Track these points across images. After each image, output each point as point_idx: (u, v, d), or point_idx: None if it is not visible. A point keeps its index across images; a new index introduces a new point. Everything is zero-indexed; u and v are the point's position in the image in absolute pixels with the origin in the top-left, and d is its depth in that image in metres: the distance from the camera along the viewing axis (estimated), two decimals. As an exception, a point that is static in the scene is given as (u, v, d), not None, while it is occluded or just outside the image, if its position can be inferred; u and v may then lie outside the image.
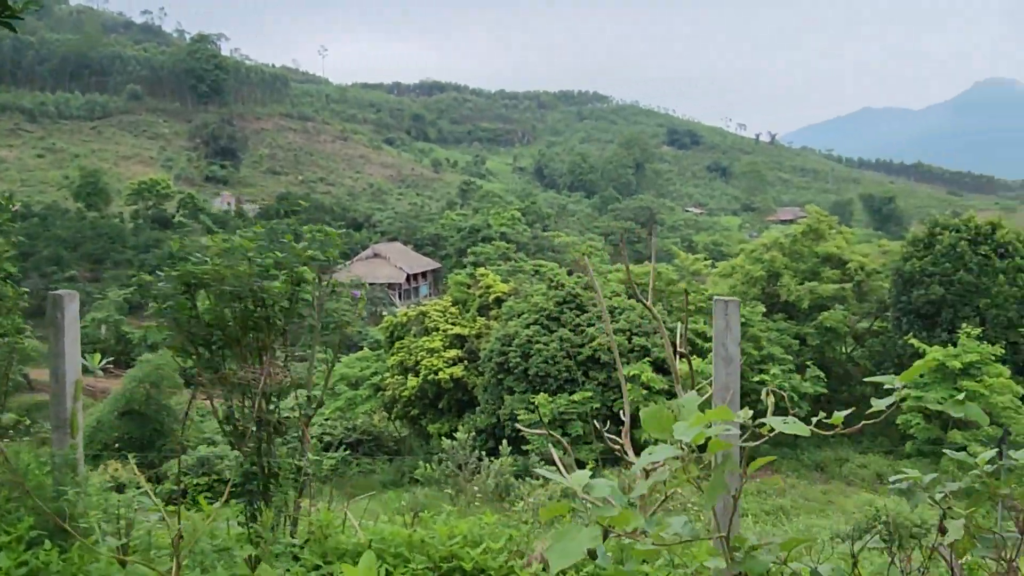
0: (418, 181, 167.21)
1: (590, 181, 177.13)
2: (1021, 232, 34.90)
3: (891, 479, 3.44)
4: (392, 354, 38.74)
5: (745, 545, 2.31)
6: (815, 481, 30.65)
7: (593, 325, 33.68)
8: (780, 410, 2.39)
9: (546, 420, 30.36)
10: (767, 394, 2.41)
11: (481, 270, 43.79)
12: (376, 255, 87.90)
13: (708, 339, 34.59)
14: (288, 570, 3.96)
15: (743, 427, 2.18)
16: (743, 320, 35.61)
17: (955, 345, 28.36)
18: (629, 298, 36.20)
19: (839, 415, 2.25)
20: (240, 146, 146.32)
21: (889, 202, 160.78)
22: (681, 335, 4.04)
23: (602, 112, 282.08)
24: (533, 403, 31.19)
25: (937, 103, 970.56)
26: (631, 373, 31.37)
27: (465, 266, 70.53)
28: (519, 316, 35.07)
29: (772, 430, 2.13)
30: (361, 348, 48.80)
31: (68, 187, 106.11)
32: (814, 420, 2.20)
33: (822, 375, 34.46)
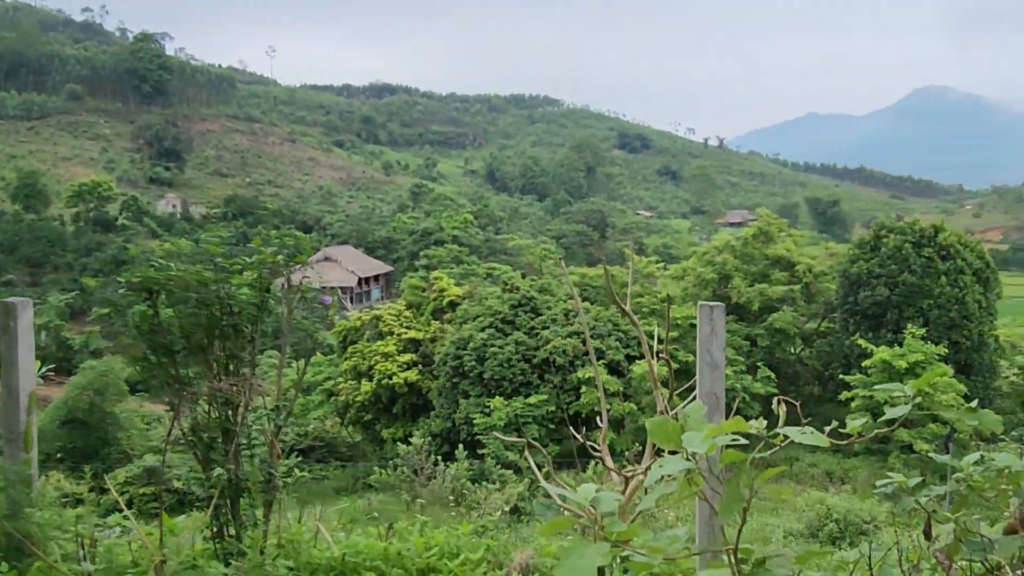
0: (369, 184, 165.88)
1: (542, 184, 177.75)
2: (962, 235, 35.97)
3: (877, 483, 3.44)
4: (345, 359, 38.28)
5: (752, 558, 2.25)
6: (766, 480, 31.06)
7: (548, 328, 33.72)
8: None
9: (501, 424, 30.30)
10: (778, 403, 2.36)
11: (435, 273, 43.57)
12: (327, 258, 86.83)
13: (661, 341, 34.98)
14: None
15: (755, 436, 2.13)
16: (694, 323, 36.06)
17: (900, 345, 29.04)
18: (584, 301, 36.35)
19: (855, 424, 2.20)
20: (185, 147, 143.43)
21: (834, 205, 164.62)
22: (663, 340, 3.99)
23: (553, 116, 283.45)
24: (488, 407, 31.11)
25: (878, 109, 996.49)
26: (586, 376, 31.48)
27: (417, 269, 70.24)
28: (474, 319, 34.95)
29: (785, 438, 2.08)
30: (313, 353, 48.13)
31: (4, 189, 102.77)
32: (826, 429, 2.15)
33: (772, 375, 35.00)
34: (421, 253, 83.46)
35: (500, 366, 32.19)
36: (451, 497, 24.55)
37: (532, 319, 34.34)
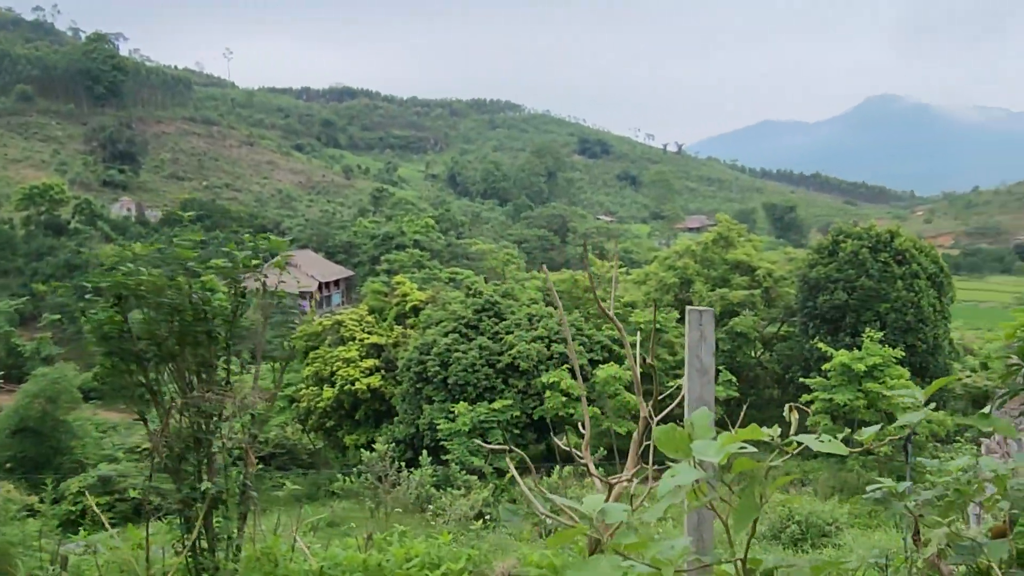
0: (329, 188, 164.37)
1: (503, 189, 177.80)
2: (917, 240, 36.75)
3: (867, 488, 3.43)
4: (306, 365, 37.83)
5: (760, 568, 2.21)
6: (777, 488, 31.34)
7: (512, 333, 33.67)
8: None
9: (465, 429, 30.15)
10: (791, 410, 2.32)
11: (398, 278, 43.29)
12: (287, 263, 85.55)
13: (623, 345, 35.15)
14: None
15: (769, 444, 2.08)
16: (658, 327, 36.22)
17: (859, 348, 29.53)
18: (547, 305, 36.37)
19: (870, 432, 2.17)
20: (140, 150, 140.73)
21: (790, 211, 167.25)
22: (650, 347, 3.95)
23: (514, 121, 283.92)
24: (452, 412, 30.94)
25: (832, 117, 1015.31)
26: (550, 380, 31.49)
27: (379, 274, 69.77)
28: (437, 324, 34.78)
29: (799, 445, 2.04)
30: (290, 360, 47.57)
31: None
32: (839, 436, 2.11)
33: (734, 379, 35.37)
34: (382, 258, 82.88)
35: (464, 371, 32.06)
36: (416, 504, 24.40)
37: (496, 324, 34.27)
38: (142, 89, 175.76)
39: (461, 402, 31.16)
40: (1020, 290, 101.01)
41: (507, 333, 33.65)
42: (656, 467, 4.58)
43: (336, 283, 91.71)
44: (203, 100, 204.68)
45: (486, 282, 41.45)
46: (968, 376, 38.40)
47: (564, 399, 31.08)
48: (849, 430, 29.12)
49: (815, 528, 18.95)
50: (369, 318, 39.05)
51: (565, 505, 2.41)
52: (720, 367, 36.02)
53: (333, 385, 35.71)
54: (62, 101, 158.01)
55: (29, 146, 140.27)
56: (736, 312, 38.53)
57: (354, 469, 25.96)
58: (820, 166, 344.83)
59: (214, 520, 4.27)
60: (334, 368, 36.01)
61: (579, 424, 29.44)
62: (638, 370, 4.60)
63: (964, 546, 3.24)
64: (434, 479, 26.36)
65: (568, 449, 4.34)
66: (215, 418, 4.23)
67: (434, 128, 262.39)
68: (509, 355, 32.53)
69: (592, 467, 4.28)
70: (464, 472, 27.76)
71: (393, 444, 30.31)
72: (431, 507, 24.38)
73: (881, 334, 30.33)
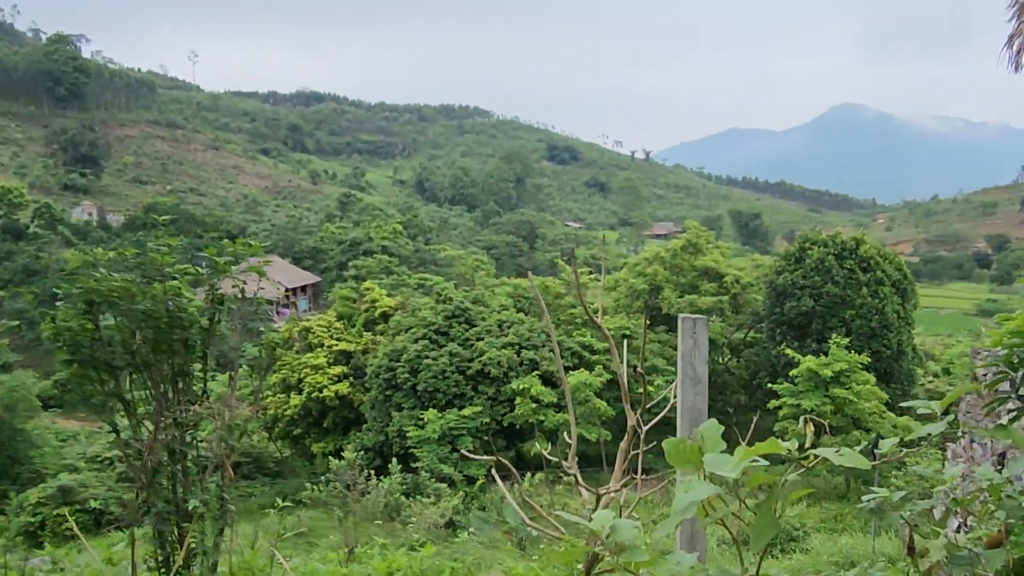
0: (295, 193, 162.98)
1: (471, 195, 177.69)
2: (881, 248, 37.27)
3: (863, 498, 3.39)
4: (273, 371, 37.33)
5: (771, 583, 2.14)
6: (665, 476, 31.48)
7: (482, 339, 33.54)
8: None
9: (435, 436, 29.95)
10: (806, 422, 2.26)
11: (367, 284, 42.93)
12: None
13: (595, 351, 35.23)
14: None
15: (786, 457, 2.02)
16: (627, 333, 36.32)
17: (825, 354, 29.84)
18: (518, 312, 36.32)
19: (891, 444, 2.11)
20: (102, 153, 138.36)
21: (756, 218, 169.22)
22: (640, 354, 3.88)
23: (483, 126, 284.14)
24: (422, 419, 30.72)
25: (797, 125, 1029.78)
26: (520, 387, 31.40)
27: (346, 280, 69.18)
28: (407, 331, 34.55)
29: (816, 458, 1.98)
30: (240, 366, 46.89)
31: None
32: (856, 448, 2.05)
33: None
34: (350, 263, 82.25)
35: (434, 378, 31.86)
36: (386, 512, 24.16)
37: (466, 330, 34.12)
38: (105, 91, 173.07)
39: (431, 409, 30.95)
40: (979, 297, 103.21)
41: (477, 339, 33.52)
42: (644, 477, 4.53)
43: (303, 289, 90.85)
44: (167, 103, 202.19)
45: (456, 288, 41.28)
46: (931, 381, 39.05)
47: (534, 406, 31.01)
48: (816, 436, 29.42)
49: (783, 533, 19.06)
50: (337, 324, 38.67)
51: (571, 520, 2.32)
52: (689, 373, 36.19)
53: (300, 392, 35.28)
54: (22, 103, 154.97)
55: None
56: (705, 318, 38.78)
57: (322, 477, 25.65)
58: (785, 174, 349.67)
59: (190, 534, 4.12)
60: (302, 375, 35.58)
61: (551, 431, 29.20)
62: (625, 378, 4.53)
63: (961, 556, 3.21)
64: (404, 487, 26.14)
65: (556, 460, 4.25)
66: (191, 429, 4.08)
67: (402, 133, 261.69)
68: (479, 361, 32.39)
69: (579, 478, 4.22)
70: (434, 480, 27.57)
71: (362, 452, 30.02)
72: (401, 515, 24.18)
73: (847, 340, 30.68)
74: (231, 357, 4.37)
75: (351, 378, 35.91)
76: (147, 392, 4.19)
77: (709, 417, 2.31)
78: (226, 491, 4.11)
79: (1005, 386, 4.20)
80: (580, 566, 3.44)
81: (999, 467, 11.07)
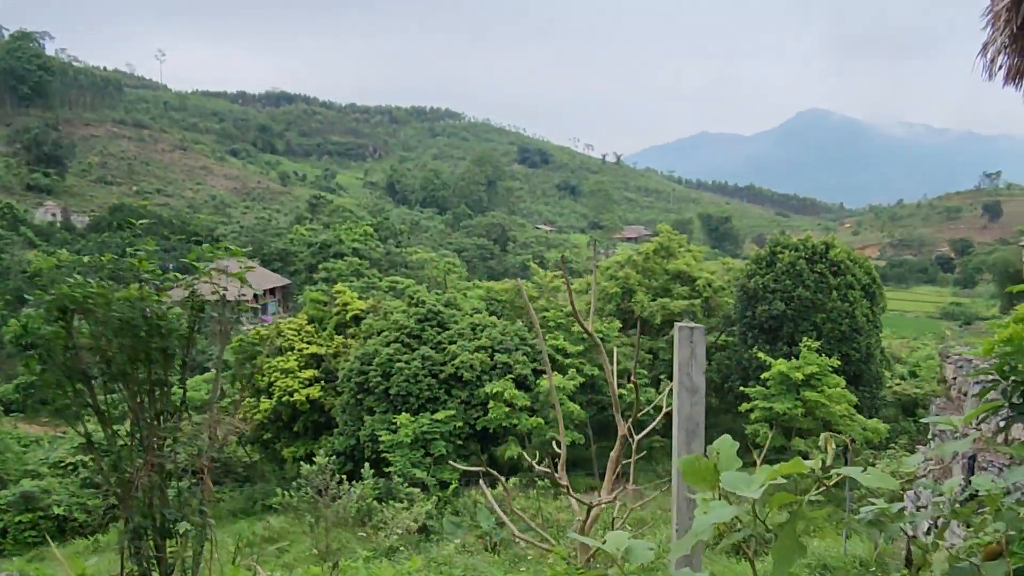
0: (265, 194, 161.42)
1: (442, 197, 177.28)
2: (851, 252, 37.70)
3: (861, 509, 3.34)
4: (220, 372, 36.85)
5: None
6: (658, 487, 31.56)
7: (455, 343, 33.38)
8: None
9: (407, 440, 29.73)
10: (828, 439, 2.20)
11: (338, 287, 42.55)
12: (212, 269, 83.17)
13: (568, 355, 35.21)
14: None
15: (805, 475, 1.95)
16: (601, 336, 36.33)
17: (796, 357, 30.08)
18: (491, 315, 36.21)
19: (913, 459, 2.05)
20: (67, 153, 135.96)
21: (726, 221, 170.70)
22: (634, 360, 3.81)
23: (454, 129, 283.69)
24: (394, 423, 30.48)
25: (765, 130, 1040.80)
26: (494, 390, 31.29)
27: (316, 283, 68.58)
28: (379, 334, 34.28)
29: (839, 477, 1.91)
30: (208, 370, 46.29)
31: None
32: (878, 465, 1.99)
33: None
34: (320, 266, 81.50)
35: (406, 381, 31.64)
36: (358, 517, 23.92)
37: (439, 333, 33.94)
38: (69, 90, 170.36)
39: (403, 413, 30.73)
40: (943, 300, 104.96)
41: (450, 343, 33.35)
42: (636, 487, 4.45)
43: (272, 292, 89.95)
44: (134, 102, 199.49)
45: (428, 291, 41.05)
46: (898, 384, 39.55)
47: (508, 409, 30.91)
48: (787, 439, 29.68)
49: (755, 536, 19.09)
50: (308, 327, 38.28)
51: (579, 540, 2.23)
52: (661, 376, 36.34)
53: (271, 396, 34.86)
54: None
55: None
56: (677, 322, 38.94)
57: (293, 483, 25.32)
58: (753, 178, 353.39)
59: (168, 550, 3.97)
60: (272, 379, 35.15)
61: (524, 435, 29.02)
62: (615, 386, 4.46)
63: (962, 568, 3.18)
64: (376, 492, 25.90)
65: (546, 470, 4.17)
66: (170, 441, 3.94)
67: (373, 135, 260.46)
68: (452, 365, 32.23)
69: (569, 488, 4.13)
70: (407, 484, 27.36)
71: (333, 456, 29.71)
72: (373, 520, 23.94)
73: (818, 343, 30.96)
74: (215, 365, 4.23)
75: (322, 382, 35.57)
76: (123, 403, 4.03)
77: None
78: (206, 504, 3.98)
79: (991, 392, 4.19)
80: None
81: (969, 471, 11.17)
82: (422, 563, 4.22)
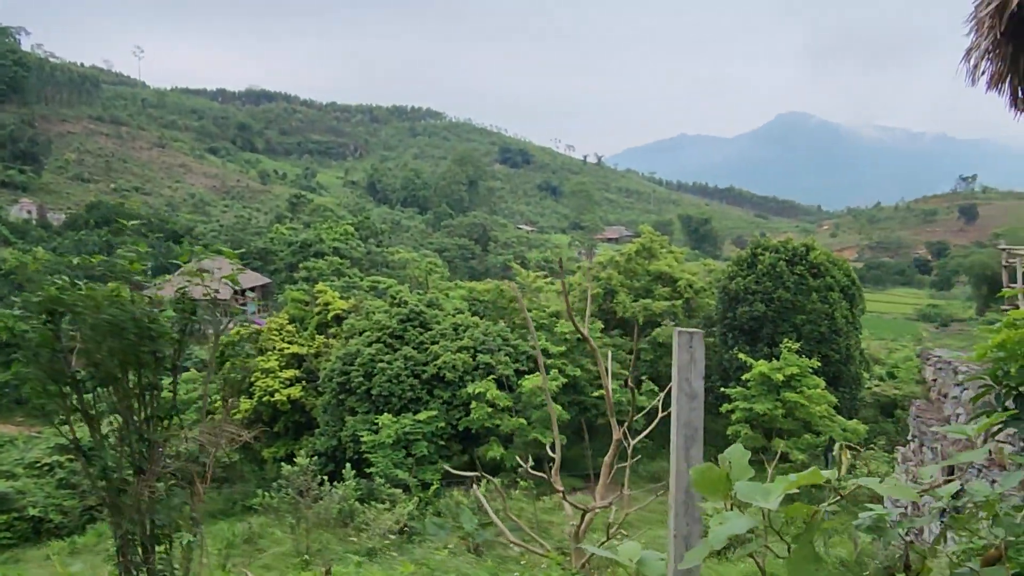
0: (244, 193, 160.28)
1: (423, 197, 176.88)
2: (831, 254, 37.98)
3: (860, 515, 3.34)
4: (211, 374, 36.57)
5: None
6: (653, 492, 31.68)
7: (437, 343, 33.29)
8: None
9: (390, 441, 29.61)
10: (842, 449, 2.18)
11: (320, 286, 42.30)
12: (199, 270, 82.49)
13: (550, 355, 35.21)
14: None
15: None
16: (581, 337, 36.44)
17: (777, 358, 30.25)
18: (473, 315, 36.13)
19: (928, 469, 2.04)
20: (43, 150, 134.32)
21: (706, 223, 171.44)
22: (632, 366, 3.79)
23: (435, 128, 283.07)
24: (376, 423, 30.35)
25: (745, 132, 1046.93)
26: (476, 391, 31.23)
27: (296, 282, 68.13)
28: (361, 334, 34.12)
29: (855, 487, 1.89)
30: (187, 369, 45.87)
31: None
32: (889, 477, 1.97)
33: (656, 388, 35.78)
34: (300, 265, 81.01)
35: (388, 382, 31.51)
36: (339, 518, 23.78)
37: (421, 334, 33.83)
38: (46, 86, 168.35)
39: (385, 413, 30.61)
40: (919, 302, 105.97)
41: (432, 343, 33.25)
42: (631, 492, 4.44)
43: (252, 291, 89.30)
44: (111, 99, 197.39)
45: (410, 291, 40.90)
46: (876, 385, 39.89)
47: (490, 410, 30.86)
48: (767, 440, 29.84)
49: (734, 536, 19.16)
50: (289, 327, 38.03)
51: (602, 554, 2.21)
52: (643, 376, 36.43)
53: (251, 396, 34.59)
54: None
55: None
56: (658, 322, 39.03)
57: (274, 484, 25.13)
58: (733, 180, 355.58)
59: (157, 557, 3.90)
60: (252, 378, 34.89)
61: (506, 435, 28.95)
62: (610, 390, 4.43)
63: (962, 573, 3.18)
64: (358, 493, 25.74)
65: (542, 475, 4.15)
66: (160, 446, 3.87)
67: (354, 134, 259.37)
68: (434, 365, 32.14)
69: (565, 494, 4.10)
70: (389, 485, 27.24)
71: (314, 457, 29.51)
72: (355, 521, 23.79)
73: (798, 345, 31.15)
74: (206, 369, 4.16)
75: (303, 382, 35.34)
76: (111, 407, 3.96)
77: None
78: (196, 512, 3.91)
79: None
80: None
81: (949, 473, 11.26)
82: (413, 568, 4.16)
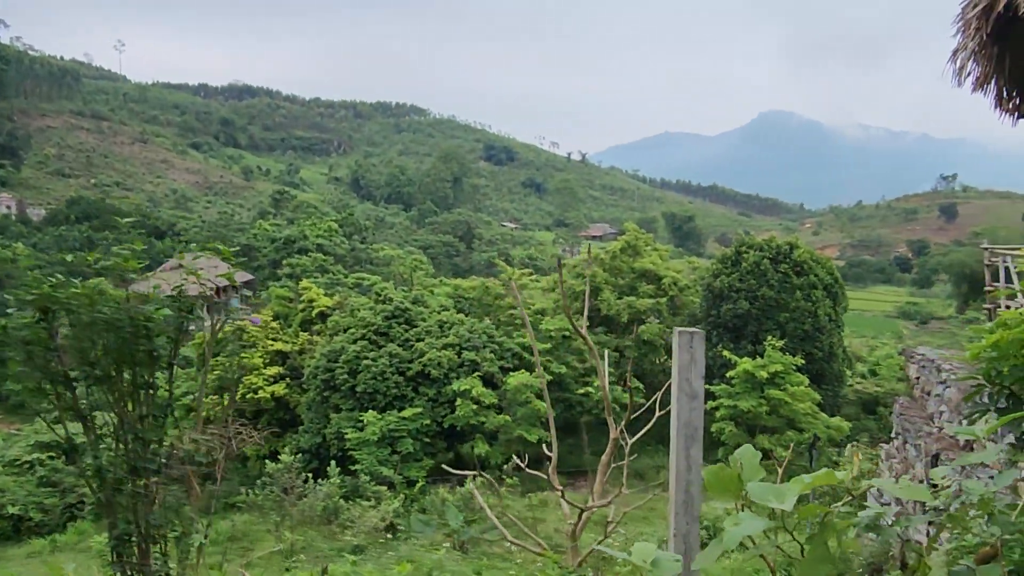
0: (227, 189, 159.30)
1: (408, 193, 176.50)
2: (814, 252, 38.25)
3: (860, 514, 3.36)
4: (209, 371, 36.32)
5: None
6: (649, 490, 31.79)
7: (422, 340, 33.23)
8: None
9: (374, 438, 29.53)
10: (855, 453, 2.19)
11: (304, 283, 42.11)
12: (181, 266, 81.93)
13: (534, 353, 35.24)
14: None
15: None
16: (567, 334, 36.41)
17: (761, 356, 30.45)
18: (458, 312, 36.07)
19: (939, 470, 2.05)
20: (22, 144, 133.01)
21: (689, 220, 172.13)
22: (628, 369, 3.80)
23: (420, 125, 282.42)
24: (361, 421, 30.26)
25: (728, 131, 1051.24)
26: (461, 388, 31.21)
27: (280, 278, 67.82)
28: (345, 331, 34.01)
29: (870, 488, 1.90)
30: (238, 383, 45.69)
31: None
32: (897, 480, 1.99)
33: (641, 386, 35.90)
34: (284, 262, 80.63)
35: (373, 379, 31.43)
36: (324, 516, 23.70)
37: (406, 331, 33.76)
38: (25, 80, 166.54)
39: (370, 411, 30.53)
40: (900, 300, 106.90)
41: (418, 340, 33.20)
42: (628, 491, 4.45)
43: (235, 287, 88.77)
44: (92, 93, 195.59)
45: (395, 288, 40.80)
46: (859, 382, 40.23)
47: (475, 407, 30.86)
48: (751, 437, 30.02)
49: (721, 532, 19.30)
50: (273, 324, 37.84)
51: (613, 555, 2.21)
52: (626, 373, 36.52)
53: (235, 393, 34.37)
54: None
55: None
56: (643, 320, 39.16)
57: (257, 481, 25.01)
58: (716, 177, 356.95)
59: (152, 557, 3.87)
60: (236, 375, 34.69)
61: (491, 433, 28.88)
62: (608, 389, 4.44)
63: (959, 571, 3.21)
64: (343, 490, 25.66)
65: (540, 474, 4.15)
66: (155, 445, 3.84)
67: (338, 130, 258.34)
68: (420, 362, 32.09)
69: (563, 493, 4.09)
70: (373, 482, 27.16)
71: (298, 454, 29.41)
72: (340, 518, 23.72)
73: (782, 342, 31.36)
74: (201, 369, 4.13)
75: (287, 379, 35.18)
76: (106, 405, 3.92)
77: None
78: (193, 511, 3.88)
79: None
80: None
81: (933, 467, 11.35)
82: (410, 568, 4.16)
